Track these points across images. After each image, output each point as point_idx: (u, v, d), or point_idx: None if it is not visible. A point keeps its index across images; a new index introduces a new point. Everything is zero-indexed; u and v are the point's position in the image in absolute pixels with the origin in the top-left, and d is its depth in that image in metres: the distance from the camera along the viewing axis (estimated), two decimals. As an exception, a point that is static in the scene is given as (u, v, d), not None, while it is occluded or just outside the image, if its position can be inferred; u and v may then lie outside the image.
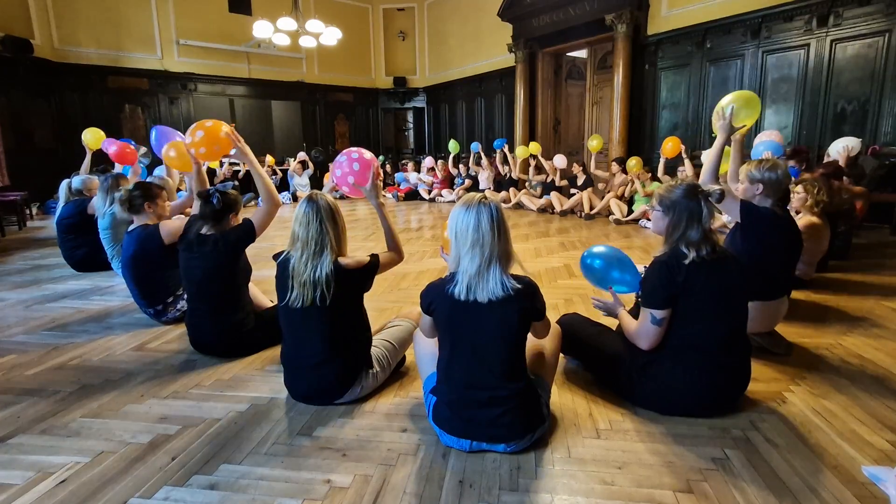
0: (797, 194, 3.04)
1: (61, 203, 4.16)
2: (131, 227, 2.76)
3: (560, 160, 7.38)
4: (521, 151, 8.11)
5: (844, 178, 4.02)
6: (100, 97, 9.14)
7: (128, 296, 3.13)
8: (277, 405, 1.85)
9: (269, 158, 8.31)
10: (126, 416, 1.79)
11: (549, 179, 7.68)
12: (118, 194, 2.77)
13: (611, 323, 2.17)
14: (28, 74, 8.05)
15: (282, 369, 1.92)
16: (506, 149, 8.34)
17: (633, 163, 6.43)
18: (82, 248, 3.97)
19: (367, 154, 2.14)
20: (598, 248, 2.19)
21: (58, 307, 3.14)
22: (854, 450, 1.53)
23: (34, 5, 8.19)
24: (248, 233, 2.29)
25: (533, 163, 8.00)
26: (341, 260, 1.77)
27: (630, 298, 2.12)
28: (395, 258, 2.04)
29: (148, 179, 3.56)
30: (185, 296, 2.48)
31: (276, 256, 1.88)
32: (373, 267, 1.88)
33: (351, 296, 1.80)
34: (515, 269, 1.50)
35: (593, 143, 6.81)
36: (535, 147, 7.86)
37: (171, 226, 2.61)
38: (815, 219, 2.84)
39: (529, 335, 1.58)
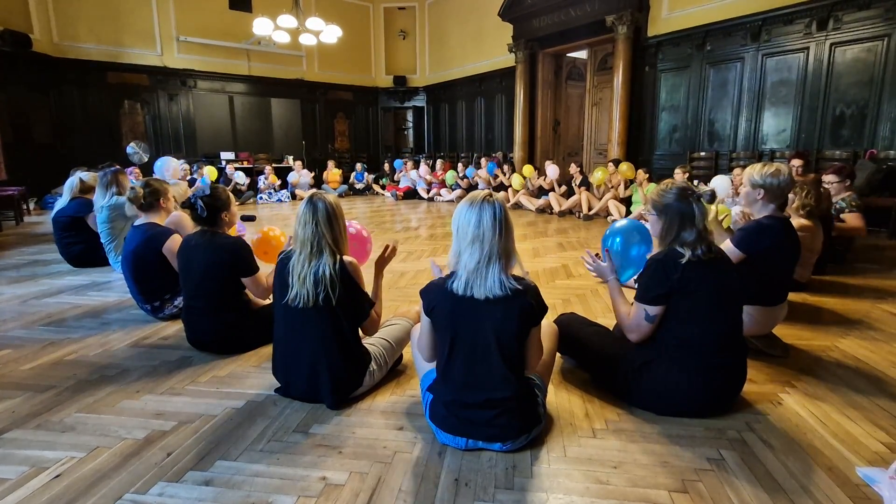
0: None
1: (65, 199, 4.06)
2: (139, 222, 2.77)
3: (552, 171, 7.32)
4: (517, 180, 8.01)
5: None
6: (99, 93, 9.12)
7: (125, 291, 3.13)
8: (273, 402, 1.84)
9: (210, 169, 8.19)
10: (121, 412, 1.78)
11: (547, 184, 7.64)
12: (130, 193, 2.79)
13: (608, 323, 2.18)
14: (27, 69, 8.03)
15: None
16: (499, 168, 8.55)
17: (625, 167, 6.38)
18: (79, 245, 3.95)
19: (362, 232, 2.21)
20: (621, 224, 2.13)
21: (54, 302, 3.13)
22: (848, 451, 1.53)
23: (34, 0, 8.16)
24: (245, 268, 2.28)
25: (532, 183, 7.95)
26: (346, 259, 1.76)
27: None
28: (377, 323, 1.97)
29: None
30: (182, 292, 2.48)
31: (280, 253, 1.87)
32: (368, 302, 1.84)
33: (351, 298, 1.79)
34: (516, 269, 1.50)
35: (597, 176, 6.71)
36: (528, 170, 7.83)
37: (174, 243, 2.61)
38: (804, 220, 2.85)
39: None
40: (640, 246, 2.01)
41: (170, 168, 5.58)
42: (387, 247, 2.13)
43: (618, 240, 2.02)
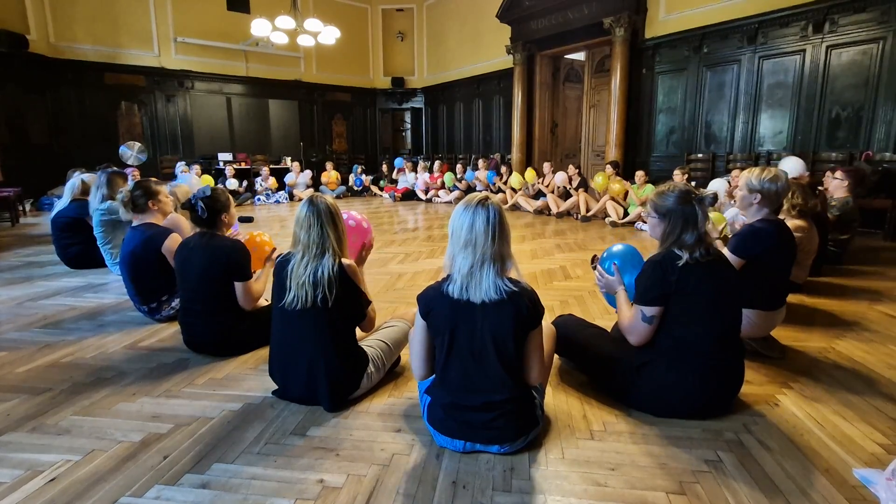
0: None
1: (66, 200, 4.03)
2: (136, 223, 2.76)
3: (560, 177, 7.30)
4: (516, 180, 8.00)
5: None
6: (96, 94, 9.09)
7: (122, 293, 3.12)
8: (270, 404, 1.84)
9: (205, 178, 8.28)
10: (118, 415, 1.77)
11: (547, 186, 7.64)
12: (119, 196, 2.77)
13: (606, 325, 2.18)
14: (23, 70, 8.00)
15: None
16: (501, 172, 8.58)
17: (617, 187, 6.31)
18: (76, 246, 3.94)
19: (363, 223, 2.23)
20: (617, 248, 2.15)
21: (50, 304, 3.11)
22: (845, 453, 1.54)
23: (30, 0, 8.13)
24: (238, 272, 2.25)
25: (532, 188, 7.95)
26: (344, 261, 1.77)
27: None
28: (373, 321, 1.98)
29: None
30: (180, 294, 2.47)
31: (279, 256, 1.87)
32: (364, 300, 1.86)
33: (349, 299, 1.79)
34: (512, 274, 1.50)
35: (598, 181, 6.70)
36: (530, 175, 7.83)
37: (173, 242, 2.59)
38: (798, 221, 2.86)
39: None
40: (632, 275, 2.03)
41: (193, 187, 5.41)
42: (363, 244, 2.16)
43: (616, 262, 2.03)
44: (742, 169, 5.27)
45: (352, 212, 2.25)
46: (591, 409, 1.80)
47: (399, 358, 2.10)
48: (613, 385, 1.84)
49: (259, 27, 7.76)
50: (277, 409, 1.81)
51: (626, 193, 6.49)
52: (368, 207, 8.67)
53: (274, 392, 1.88)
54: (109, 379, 2.06)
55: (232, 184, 8.94)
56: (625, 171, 7.23)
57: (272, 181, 9.45)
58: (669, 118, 7.45)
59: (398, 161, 10.57)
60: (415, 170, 10.05)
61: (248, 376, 2.08)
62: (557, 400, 1.86)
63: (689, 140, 7.22)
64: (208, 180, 8.19)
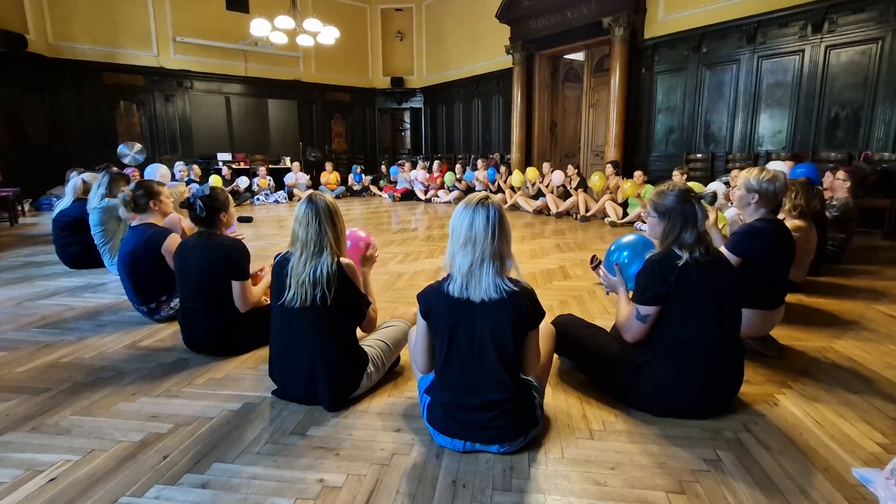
0: None
1: (68, 200, 4.03)
2: (135, 223, 2.76)
3: (557, 177, 7.34)
4: (517, 179, 8.03)
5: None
6: (94, 93, 9.08)
7: (121, 293, 3.11)
8: (270, 404, 1.84)
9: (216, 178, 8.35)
10: (117, 415, 1.77)
11: (547, 186, 7.64)
12: (121, 195, 2.77)
13: (605, 324, 2.18)
14: (22, 69, 7.99)
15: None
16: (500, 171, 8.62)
17: (628, 186, 6.32)
18: (76, 246, 3.93)
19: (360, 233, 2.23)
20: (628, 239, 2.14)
21: (49, 304, 3.11)
22: (844, 452, 1.54)
23: (29, 0, 8.12)
24: (237, 271, 2.23)
25: (531, 187, 7.95)
26: (343, 260, 1.77)
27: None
28: (374, 321, 1.98)
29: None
30: (179, 294, 2.47)
31: (277, 255, 1.87)
32: (365, 302, 1.86)
33: (348, 298, 1.79)
34: (512, 274, 1.50)
35: (595, 180, 6.72)
36: (532, 174, 7.81)
37: (173, 242, 2.58)
38: (798, 221, 2.86)
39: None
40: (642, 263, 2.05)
41: (156, 175, 5.67)
42: (367, 244, 2.18)
43: (625, 254, 2.03)
44: (741, 169, 5.28)
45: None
46: (591, 408, 1.80)
47: (399, 357, 2.11)
48: (613, 384, 1.84)
49: (258, 27, 7.76)
50: (277, 408, 1.81)
51: (638, 194, 6.48)
52: (368, 207, 8.66)
53: (274, 392, 1.88)
54: (109, 379, 2.06)
55: (243, 181, 8.94)
56: (624, 170, 7.22)
57: (261, 179, 9.37)
58: (669, 118, 7.45)
59: (393, 170, 10.34)
60: (413, 168, 10.04)
61: (248, 376, 2.08)
62: (557, 399, 1.86)
63: (688, 140, 7.23)
64: (217, 181, 8.24)
